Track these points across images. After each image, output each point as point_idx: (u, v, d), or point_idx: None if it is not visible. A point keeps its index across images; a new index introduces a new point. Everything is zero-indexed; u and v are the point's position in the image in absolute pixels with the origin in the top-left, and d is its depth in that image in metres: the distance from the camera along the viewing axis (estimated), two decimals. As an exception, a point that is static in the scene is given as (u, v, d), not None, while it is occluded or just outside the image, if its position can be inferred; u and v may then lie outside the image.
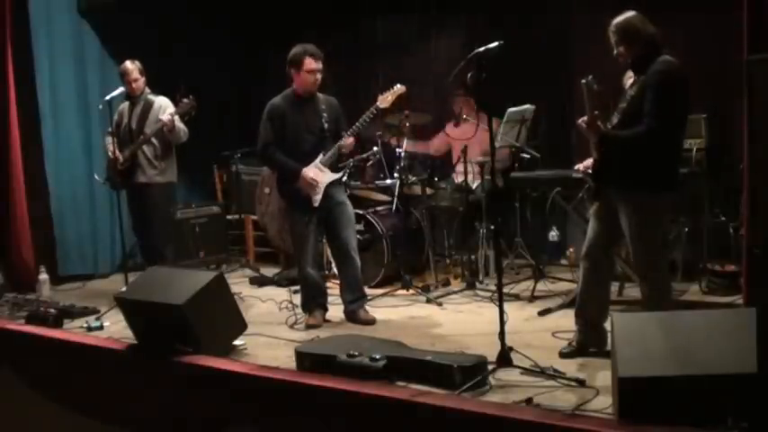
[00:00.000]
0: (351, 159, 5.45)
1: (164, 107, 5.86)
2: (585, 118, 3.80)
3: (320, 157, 4.98)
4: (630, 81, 4.30)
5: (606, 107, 3.88)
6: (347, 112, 5.21)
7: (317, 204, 4.98)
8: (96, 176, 6.19)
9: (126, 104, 5.96)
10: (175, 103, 5.77)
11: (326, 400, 3.38)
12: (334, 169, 5.02)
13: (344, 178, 5.30)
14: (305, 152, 4.99)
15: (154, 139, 5.79)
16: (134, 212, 6.00)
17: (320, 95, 5.08)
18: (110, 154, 5.87)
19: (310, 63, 4.90)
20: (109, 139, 5.88)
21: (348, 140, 4.99)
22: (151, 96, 5.91)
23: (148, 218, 5.87)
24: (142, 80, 5.89)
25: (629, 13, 3.81)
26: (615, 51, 3.84)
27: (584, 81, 3.76)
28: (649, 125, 3.65)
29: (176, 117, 5.66)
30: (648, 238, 3.80)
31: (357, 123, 5.01)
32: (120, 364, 4.25)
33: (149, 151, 5.83)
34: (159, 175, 5.86)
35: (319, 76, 4.96)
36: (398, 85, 5.15)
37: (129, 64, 5.87)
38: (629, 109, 3.78)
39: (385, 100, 5.11)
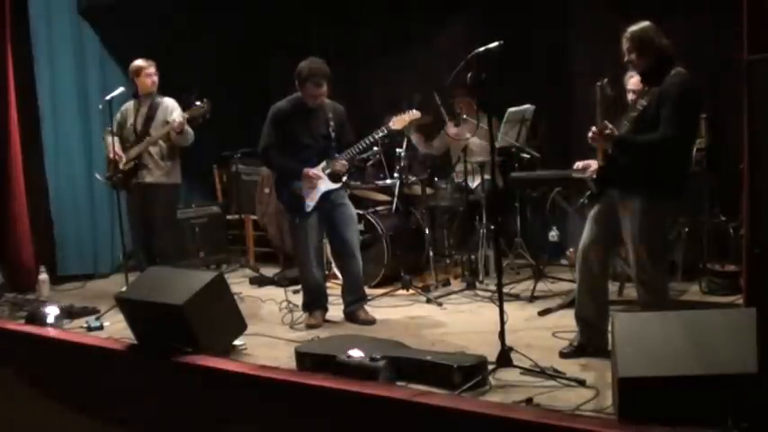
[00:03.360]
0: (352, 168, 5.44)
1: (171, 108, 5.84)
2: (595, 129, 3.80)
3: (323, 164, 4.98)
4: (632, 81, 4.31)
5: (614, 112, 3.89)
6: (347, 112, 5.21)
7: (309, 210, 4.98)
8: (98, 175, 6.18)
9: (131, 103, 5.94)
10: (186, 106, 5.71)
11: (326, 400, 3.38)
12: (332, 179, 5.02)
13: (345, 177, 5.29)
14: (308, 158, 4.99)
15: (160, 140, 5.78)
16: (135, 213, 5.94)
17: (327, 102, 5.06)
18: (110, 154, 5.83)
19: (311, 88, 4.88)
20: (110, 139, 5.87)
21: (342, 163, 4.97)
22: (158, 97, 5.90)
23: (152, 218, 5.84)
24: (157, 77, 5.87)
25: (645, 23, 3.82)
26: (626, 58, 3.85)
27: (599, 84, 3.78)
28: (665, 134, 3.65)
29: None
30: (650, 241, 3.80)
31: (364, 140, 4.99)
32: (120, 364, 4.25)
33: (156, 152, 5.81)
34: (166, 176, 5.85)
35: (321, 99, 4.94)
36: (414, 111, 5.12)
37: (143, 60, 5.85)
38: (640, 118, 3.78)
39: (398, 122, 5.07)
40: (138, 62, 5.87)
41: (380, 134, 5.05)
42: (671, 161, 3.75)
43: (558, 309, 5.04)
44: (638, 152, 3.77)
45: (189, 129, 5.68)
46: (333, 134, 5.00)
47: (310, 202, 4.98)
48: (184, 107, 5.72)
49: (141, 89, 5.87)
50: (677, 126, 3.65)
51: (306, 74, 4.88)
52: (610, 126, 3.78)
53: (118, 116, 5.93)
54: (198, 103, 5.62)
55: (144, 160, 5.80)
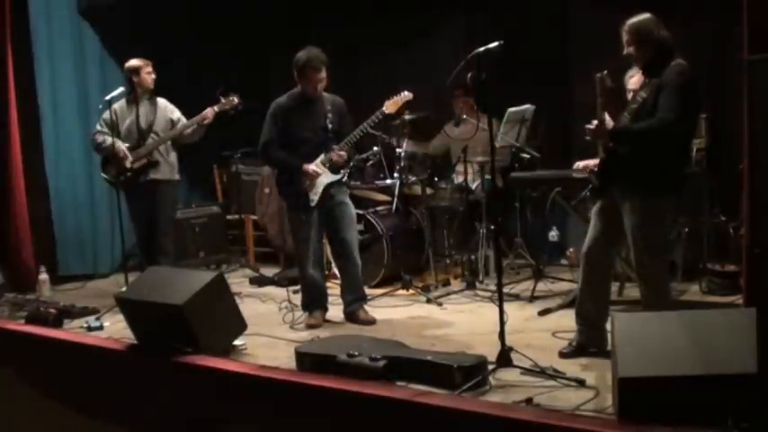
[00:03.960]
0: (352, 160, 5.45)
1: (171, 108, 5.96)
2: (594, 122, 3.81)
3: (321, 157, 4.99)
4: (633, 80, 4.31)
5: (615, 104, 3.89)
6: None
7: (313, 204, 4.99)
8: (103, 175, 6.16)
9: (122, 104, 5.93)
10: (215, 100, 5.78)
11: (326, 400, 3.38)
12: (333, 171, 5.02)
13: (344, 178, 5.29)
14: (308, 152, 5.00)
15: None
16: (141, 211, 5.93)
17: (326, 95, 5.07)
18: (120, 153, 5.79)
19: (311, 73, 4.90)
20: (110, 139, 5.86)
21: (339, 154, 4.97)
22: (154, 97, 5.94)
23: (157, 216, 5.86)
24: (155, 75, 5.93)
25: (644, 15, 3.82)
26: (625, 51, 3.85)
27: (598, 75, 3.77)
28: (663, 118, 3.64)
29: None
30: (650, 239, 3.80)
31: (360, 127, 5.00)
32: (120, 364, 4.25)
33: (162, 149, 5.89)
34: (172, 172, 5.94)
35: (320, 85, 4.96)
36: (405, 92, 5.14)
37: (140, 59, 5.89)
38: (640, 110, 3.78)
39: (391, 106, 5.09)
40: (136, 61, 5.89)
41: (376, 120, 5.04)
42: (668, 155, 3.74)
43: (558, 309, 5.04)
44: (637, 140, 3.76)
45: None
46: (330, 126, 4.99)
47: (314, 197, 4.99)
48: (212, 102, 5.77)
49: (140, 88, 5.88)
50: (675, 111, 3.64)
51: (304, 61, 4.90)
52: (608, 118, 3.79)
53: (108, 116, 5.90)
54: (227, 98, 5.74)
55: (154, 158, 5.85)
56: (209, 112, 5.74)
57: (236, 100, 5.75)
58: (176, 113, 5.94)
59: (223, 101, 5.76)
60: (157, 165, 5.84)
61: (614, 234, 3.98)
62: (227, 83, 5.98)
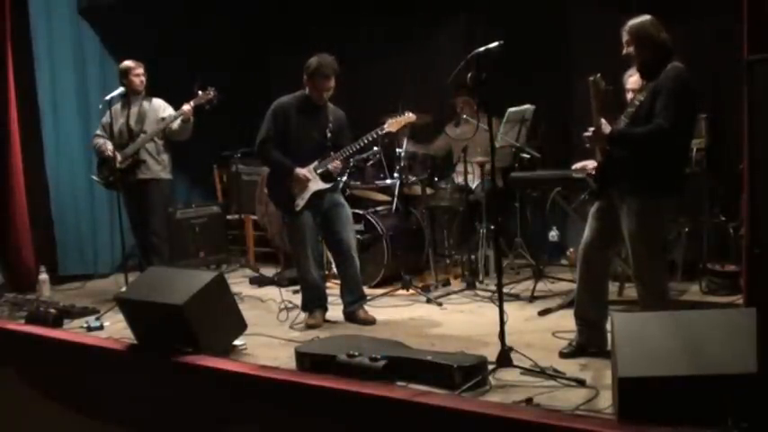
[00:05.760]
0: (345, 172, 5.45)
1: (163, 107, 5.98)
2: (591, 129, 3.81)
3: (315, 164, 4.99)
4: (632, 80, 4.32)
5: (611, 107, 3.89)
6: (346, 112, 5.22)
7: (298, 208, 4.99)
8: (93, 177, 6.19)
9: (118, 105, 5.96)
10: (191, 95, 5.78)
11: (326, 400, 3.38)
12: (324, 179, 5.02)
13: (344, 178, 5.28)
14: (303, 156, 5.00)
15: (155, 137, 5.87)
16: (134, 211, 5.98)
17: (330, 105, 5.09)
18: (108, 153, 5.84)
19: (319, 80, 4.91)
20: (100, 141, 5.91)
21: (335, 164, 4.98)
22: (147, 97, 5.98)
23: (148, 215, 5.88)
24: (145, 77, 5.94)
25: (645, 17, 3.83)
26: (624, 51, 3.86)
27: (591, 78, 3.77)
28: (660, 124, 3.65)
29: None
30: (648, 240, 3.80)
31: (358, 142, 5.02)
32: (120, 364, 4.25)
33: (152, 148, 5.89)
34: (163, 171, 5.95)
35: (327, 93, 4.98)
36: (409, 114, 5.16)
37: (132, 61, 5.93)
38: (637, 113, 3.78)
39: (393, 125, 5.10)
40: (127, 63, 5.94)
41: (375, 136, 5.06)
42: (666, 157, 3.74)
43: (558, 309, 5.04)
44: (635, 145, 3.77)
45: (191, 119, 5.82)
46: (329, 135, 5.00)
47: (300, 201, 4.99)
48: (189, 97, 5.78)
49: (130, 89, 5.90)
50: (671, 116, 3.64)
51: (315, 66, 4.91)
52: (605, 122, 3.79)
53: (106, 119, 5.92)
54: (201, 92, 5.74)
55: (141, 156, 5.85)
56: (186, 107, 5.74)
57: (211, 93, 5.76)
58: (167, 111, 5.93)
59: (200, 94, 5.77)
60: (143, 164, 5.85)
61: (611, 235, 3.97)
62: (219, 81, 5.96)
